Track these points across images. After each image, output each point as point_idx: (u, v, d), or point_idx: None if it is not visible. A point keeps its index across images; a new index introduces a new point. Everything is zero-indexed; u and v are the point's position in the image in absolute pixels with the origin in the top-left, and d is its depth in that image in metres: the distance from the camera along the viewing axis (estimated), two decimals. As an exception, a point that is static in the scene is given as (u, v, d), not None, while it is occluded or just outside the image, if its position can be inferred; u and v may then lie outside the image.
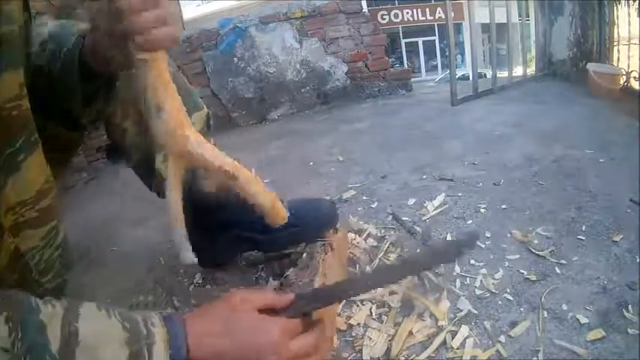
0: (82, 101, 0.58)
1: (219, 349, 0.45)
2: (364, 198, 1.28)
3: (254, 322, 0.48)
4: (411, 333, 0.75)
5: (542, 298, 0.80)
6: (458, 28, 10.49)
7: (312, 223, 0.84)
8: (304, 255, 0.81)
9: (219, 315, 0.48)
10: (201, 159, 0.52)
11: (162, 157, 0.77)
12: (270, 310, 0.51)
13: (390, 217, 1.15)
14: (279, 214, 0.59)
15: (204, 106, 0.82)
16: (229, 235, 0.86)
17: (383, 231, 1.08)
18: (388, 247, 0.99)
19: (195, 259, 0.56)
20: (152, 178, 0.81)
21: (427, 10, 13.38)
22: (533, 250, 0.94)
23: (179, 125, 0.50)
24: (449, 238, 1.02)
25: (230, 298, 0.50)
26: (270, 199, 0.58)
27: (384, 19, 12.55)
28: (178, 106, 0.50)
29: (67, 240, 0.60)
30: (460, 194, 1.24)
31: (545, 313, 0.76)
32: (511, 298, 0.81)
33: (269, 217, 0.59)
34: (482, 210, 1.13)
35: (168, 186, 0.52)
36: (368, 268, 0.91)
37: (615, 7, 2.52)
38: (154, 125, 0.49)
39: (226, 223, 0.85)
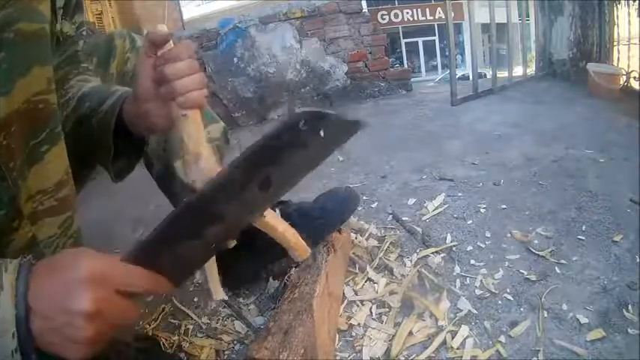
0: (112, 159, 0.62)
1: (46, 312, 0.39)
2: (364, 198, 1.28)
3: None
4: (411, 333, 0.75)
5: (542, 298, 0.80)
6: (458, 28, 10.48)
7: (334, 212, 0.88)
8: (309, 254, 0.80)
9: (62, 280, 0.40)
10: None
11: (181, 162, 0.79)
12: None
13: (390, 217, 1.15)
14: (303, 248, 0.63)
15: (220, 120, 0.86)
16: (254, 245, 0.78)
17: (383, 231, 1.08)
18: (388, 247, 0.99)
19: (226, 297, 0.60)
20: (172, 188, 0.83)
21: (427, 10, 13.38)
22: (533, 250, 0.94)
23: (215, 171, 0.54)
24: (449, 238, 1.02)
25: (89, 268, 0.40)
26: (292, 234, 0.62)
27: (384, 19, 12.55)
28: (211, 153, 0.55)
29: (81, 230, 0.62)
30: (460, 194, 1.24)
31: (545, 313, 0.76)
32: (511, 298, 0.81)
33: (293, 253, 0.63)
34: (482, 210, 1.13)
35: None
36: (368, 268, 0.91)
37: (615, 7, 2.52)
38: (194, 172, 0.54)
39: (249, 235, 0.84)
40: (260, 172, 0.46)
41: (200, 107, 0.54)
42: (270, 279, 0.90)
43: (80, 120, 0.62)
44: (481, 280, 0.87)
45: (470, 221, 1.09)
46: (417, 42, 14.46)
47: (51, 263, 0.41)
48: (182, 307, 0.89)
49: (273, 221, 0.59)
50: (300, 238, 0.62)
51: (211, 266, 0.56)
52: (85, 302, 0.37)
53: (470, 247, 0.98)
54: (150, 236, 0.44)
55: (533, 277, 0.86)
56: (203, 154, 0.54)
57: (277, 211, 0.70)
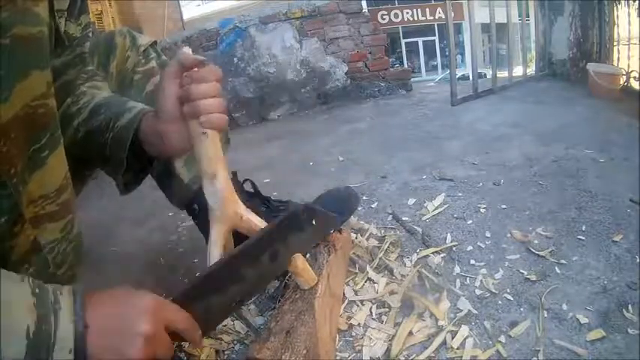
0: (122, 172, 0.63)
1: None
2: (364, 198, 1.28)
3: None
4: (411, 333, 0.75)
5: (542, 298, 0.80)
6: (458, 28, 10.48)
7: (335, 212, 0.87)
8: (308, 255, 0.81)
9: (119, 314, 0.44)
10: (247, 222, 0.62)
11: (183, 162, 0.80)
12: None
13: (390, 217, 1.15)
14: (310, 276, 0.68)
15: None
16: None
17: (383, 231, 1.08)
18: (388, 247, 0.99)
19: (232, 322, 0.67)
20: (172, 188, 0.83)
21: (427, 10, 13.39)
22: (533, 250, 0.94)
23: (230, 192, 0.59)
24: (449, 238, 1.02)
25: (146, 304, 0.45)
26: (302, 262, 0.67)
27: (384, 19, 12.55)
28: (227, 175, 0.59)
29: (81, 234, 0.62)
30: (460, 194, 1.24)
31: (545, 313, 0.76)
32: (511, 298, 0.81)
33: (300, 280, 0.68)
34: (482, 210, 1.13)
35: (211, 248, 0.59)
36: (368, 268, 0.91)
37: (615, 7, 2.52)
38: (209, 191, 0.58)
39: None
40: (271, 247, 0.62)
41: (220, 129, 0.57)
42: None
43: (92, 131, 0.62)
44: (481, 280, 0.87)
45: (470, 221, 1.09)
46: (417, 42, 14.48)
47: (107, 291, 0.46)
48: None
49: None
50: (308, 266, 0.66)
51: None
52: (147, 325, 0.43)
53: (470, 247, 0.98)
54: (189, 285, 0.54)
55: (533, 277, 0.86)
56: (218, 174, 0.57)
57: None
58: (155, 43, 0.88)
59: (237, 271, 0.58)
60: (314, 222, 0.69)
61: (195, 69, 0.55)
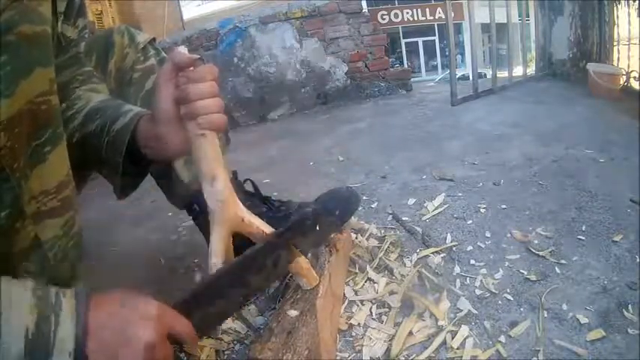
0: (119, 176, 0.63)
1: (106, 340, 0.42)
2: (364, 198, 1.28)
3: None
4: (411, 333, 0.75)
5: (542, 298, 0.80)
6: (458, 28, 10.48)
7: (335, 212, 0.88)
8: (309, 256, 0.80)
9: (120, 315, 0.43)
10: (248, 223, 0.61)
11: (183, 161, 0.80)
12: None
13: (390, 217, 1.15)
14: (312, 277, 0.68)
15: None
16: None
17: (383, 231, 1.08)
18: (388, 247, 0.99)
19: (233, 324, 0.68)
20: (172, 188, 0.83)
21: (427, 10, 13.39)
22: (533, 250, 0.94)
23: (230, 193, 0.58)
24: (449, 238, 1.02)
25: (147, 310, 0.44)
26: (305, 262, 0.67)
27: (384, 19, 12.55)
28: (227, 176, 0.58)
29: (82, 231, 0.62)
30: (460, 194, 1.24)
31: (545, 313, 0.76)
32: (511, 298, 0.81)
33: (302, 280, 0.68)
34: (482, 210, 1.13)
35: (211, 251, 0.59)
36: (368, 268, 0.91)
37: (615, 7, 2.52)
38: (209, 193, 0.57)
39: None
40: (274, 254, 0.62)
41: (219, 130, 0.55)
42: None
43: (88, 136, 0.62)
44: (481, 280, 0.87)
45: (470, 221, 1.09)
46: (417, 42, 14.48)
47: (110, 295, 0.44)
48: (182, 307, 0.89)
49: None
50: (310, 266, 0.66)
51: None
52: (148, 333, 0.41)
53: (470, 247, 0.98)
54: (191, 292, 0.52)
55: (533, 277, 0.86)
56: (218, 176, 0.56)
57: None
58: (154, 39, 0.88)
59: (240, 278, 0.58)
60: (317, 227, 0.68)
61: (191, 68, 0.54)
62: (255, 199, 0.90)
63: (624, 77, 2.40)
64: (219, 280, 0.55)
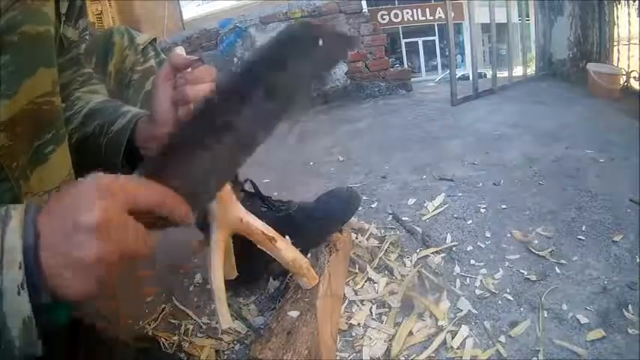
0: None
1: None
2: (364, 198, 1.28)
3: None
4: (411, 333, 0.75)
5: (542, 298, 0.80)
6: (458, 28, 10.47)
7: (336, 212, 0.88)
8: (309, 256, 0.81)
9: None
10: (247, 225, 0.61)
11: None
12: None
13: (390, 217, 1.15)
14: (312, 276, 0.68)
15: None
16: (254, 245, 0.83)
17: (383, 231, 1.08)
18: (388, 247, 0.99)
19: (233, 324, 0.64)
20: None
21: (427, 10, 13.37)
22: (533, 250, 0.94)
23: (230, 195, 0.57)
24: (449, 238, 1.02)
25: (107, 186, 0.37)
26: (304, 262, 0.67)
27: (384, 19, 12.54)
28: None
29: None
30: (460, 194, 1.24)
31: (545, 313, 0.76)
32: (511, 298, 0.81)
33: (302, 280, 0.68)
34: (482, 210, 1.13)
35: (211, 253, 0.59)
36: (368, 268, 0.91)
37: (615, 7, 2.52)
38: None
39: None
40: (266, 78, 0.43)
41: None
42: (270, 279, 0.90)
43: (87, 136, 0.62)
44: (481, 280, 0.87)
45: (470, 221, 1.09)
46: (417, 42, 14.46)
47: (61, 189, 0.37)
48: (182, 307, 0.89)
49: (284, 249, 0.65)
50: (310, 266, 0.65)
51: (220, 293, 0.58)
52: (90, 214, 0.34)
53: (470, 247, 0.98)
54: (160, 147, 0.41)
55: (533, 277, 0.86)
56: None
57: (287, 237, 0.71)
58: (154, 40, 0.88)
59: (222, 115, 0.42)
60: (320, 42, 0.46)
61: (189, 69, 0.54)
62: (255, 199, 0.90)
63: (624, 77, 2.40)
64: (193, 122, 0.42)
